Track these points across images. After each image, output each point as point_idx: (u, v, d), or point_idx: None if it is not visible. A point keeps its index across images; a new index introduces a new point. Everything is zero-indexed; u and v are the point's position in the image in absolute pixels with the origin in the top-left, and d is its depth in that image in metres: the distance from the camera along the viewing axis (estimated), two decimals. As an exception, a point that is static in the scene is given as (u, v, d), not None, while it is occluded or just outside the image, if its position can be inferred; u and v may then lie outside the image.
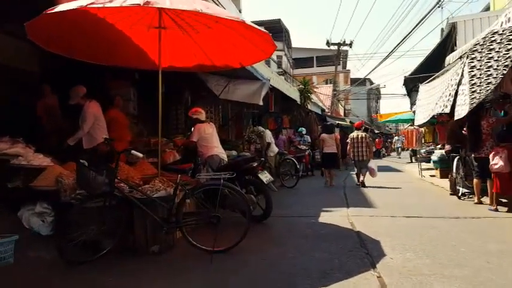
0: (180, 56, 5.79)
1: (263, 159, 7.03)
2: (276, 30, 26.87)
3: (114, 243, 3.84)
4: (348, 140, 10.00)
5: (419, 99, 10.46)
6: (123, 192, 3.76)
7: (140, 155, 4.04)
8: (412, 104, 18.52)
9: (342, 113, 33.04)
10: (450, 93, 6.46)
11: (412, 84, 14.78)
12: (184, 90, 8.75)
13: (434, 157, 10.81)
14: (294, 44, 37.04)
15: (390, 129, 52.00)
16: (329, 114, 22.41)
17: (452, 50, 11.69)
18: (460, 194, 7.18)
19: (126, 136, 6.21)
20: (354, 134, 9.85)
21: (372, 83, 41.69)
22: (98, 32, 4.91)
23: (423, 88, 10.29)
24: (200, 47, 5.49)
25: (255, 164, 5.33)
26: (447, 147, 7.70)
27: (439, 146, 11.91)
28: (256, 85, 8.30)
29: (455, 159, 7.22)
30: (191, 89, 8.76)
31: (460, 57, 7.20)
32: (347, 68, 43.53)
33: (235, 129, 11.40)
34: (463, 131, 6.96)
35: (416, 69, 14.14)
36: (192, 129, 5.86)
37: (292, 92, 13.03)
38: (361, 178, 9.57)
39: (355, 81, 35.18)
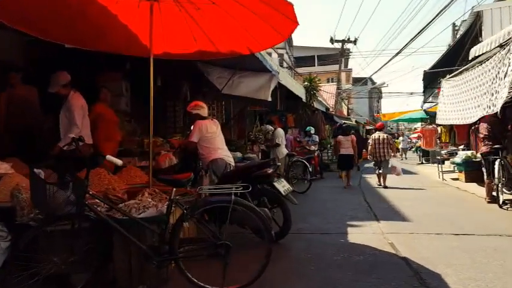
0: (178, 40, 4.78)
1: (279, 163, 5.95)
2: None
3: (88, 279, 2.87)
4: (370, 141, 9.80)
5: (443, 95, 9.59)
6: (97, 212, 2.75)
7: (119, 161, 3.00)
8: (425, 101, 17.63)
9: (345, 112, 32.12)
10: (500, 88, 5.53)
11: (428, 81, 13.87)
12: (182, 83, 7.73)
13: (457, 159, 9.85)
14: (295, 43, 36.26)
15: (391, 128, 51.06)
16: (333, 113, 21.45)
17: (475, 42, 10.74)
18: (501, 203, 6.22)
19: (115, 135, 5.29)
20: (376, 135, 9.66)
21: (373, 82, 40.82)
22: (74, 8, 3.93)
23: (447, 83, 9.39)
24: (201, 29, 4.50)
25: (270, 170, 4.29)
26: (483, 148, 6.71)
27: (461, 147, 10.93)
28: (264, 78, 7.25)
29: (497, 163, 6.23)
30: (191, 82, 7.75)
31: (501, 45, 6.27)
32: (349, 67, 42.66)
33: (238, 128, 10.47)
34: (508, 130, 6.02)
35: (436, 64, 13.25)
36: (192, 127, 4.84)
37: (298, 88, 12.10)
38: (383, 180, 9.35)
39: (357, 81, 34.33)
